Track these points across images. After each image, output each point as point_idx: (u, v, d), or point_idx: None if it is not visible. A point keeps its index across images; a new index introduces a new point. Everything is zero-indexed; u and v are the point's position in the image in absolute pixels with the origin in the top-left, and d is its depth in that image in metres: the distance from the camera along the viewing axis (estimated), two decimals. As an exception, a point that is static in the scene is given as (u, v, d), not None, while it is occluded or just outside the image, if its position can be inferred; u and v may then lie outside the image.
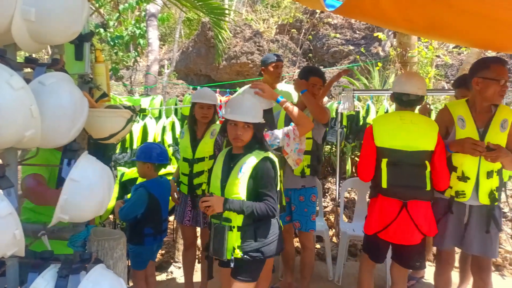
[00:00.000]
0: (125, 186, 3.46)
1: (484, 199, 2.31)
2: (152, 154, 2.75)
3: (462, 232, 2.40)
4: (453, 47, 7.77)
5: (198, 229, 3.22)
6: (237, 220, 2.06)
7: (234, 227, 2.06)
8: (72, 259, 1.39)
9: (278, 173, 2.18)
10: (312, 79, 2.92)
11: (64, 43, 1.42)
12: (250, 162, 2.07)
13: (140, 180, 3.05)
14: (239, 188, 2.06)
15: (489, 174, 2.29)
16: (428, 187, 2.27)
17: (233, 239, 2.06)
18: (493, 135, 2.28)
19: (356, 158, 5.39)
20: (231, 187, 2.08)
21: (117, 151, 4.18)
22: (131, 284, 2.86)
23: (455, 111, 2.39)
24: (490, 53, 7.87)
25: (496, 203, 2.34)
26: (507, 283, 3.62)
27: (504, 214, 4.54)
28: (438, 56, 6.54)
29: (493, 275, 3.74)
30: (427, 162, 2.27)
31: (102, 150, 1.72)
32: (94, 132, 1.56)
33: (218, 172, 2.16)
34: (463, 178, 2.31)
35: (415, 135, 2.31)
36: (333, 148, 4.96)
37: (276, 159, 2.16)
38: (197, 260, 3.53)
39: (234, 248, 2.05)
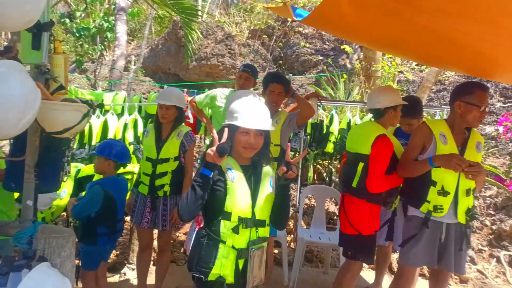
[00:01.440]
0: (81, 183, 3.35)
1: (461, 217, 2.37)
2: (113, 151, 2.67)
3: (433, 250, 2.41)
4: (416, 65, 8.12)
5: (155, 231, 3.15)
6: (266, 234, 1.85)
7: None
8: (14, 256, 1.32)
9: None
10: (271, 86, 2.96)
11: (18, 30, 1.36)
12: (272, 175, 1.89)
13: (96, 177, 2.95)
14: (271, 203, 1.86)
15: (468, 192, 2.37)
16: (354, 184, 2.64)
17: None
18: (470, 154, 2.37)
19: (318, 166, 5.50)
20: (266, 205, 1.82)
21: (75, 146, 4.03)
22: (80, 284, 2.75)
23: (436, 128, 2.44)
24: (448, 73, 8.31)
25: (470, 222, 2.42)
26: (452, 292, 3.81)
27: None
28: (401, 72, 6.81)
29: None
30: (360, 163, 2.62)
31: (55, 144, 1.66)
32: (47, 125, 1.50)
33: (246, 191, 1.78)
34: (443, 193, 2.35)
35: (356, 139, 2.75)
36: (296, 155, 5.03)
37: None
38: (152, 262, 3.46)
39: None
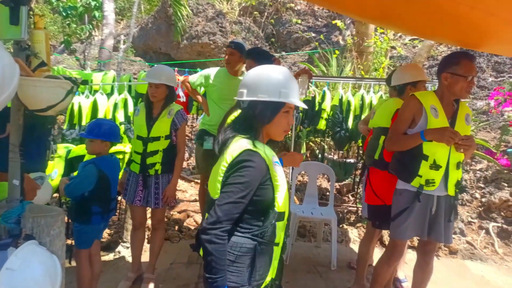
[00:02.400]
0: (72, 163, 3.33)
1: (451, 190, 2.40)
2: (101, 131, 2.65)
3: (424, 222, 2.44)
4: (408, 40, 8.06)
5: (149, 210, 3.17)
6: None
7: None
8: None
9: None
10: (246, 62, 3.05)
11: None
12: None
13: (88, 157, 2.94)
14: None
15: (458, 165, 2.38)
16: (376, 156, 2.77)
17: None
18: (460, 127, 2.36)
19: (311, 143, 5.52)
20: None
21: (65, 126, 3.99)
22: (73, 263, 2.78)
23: (426, 101, 2.41)
24: (441, 48, 8.26)
25: (460, 193, 2.50)
26: (441, 262, 3.90)
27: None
28: (393, 48, 6.76)
29: (429, 255, 4.03)
30: (382, 136, 2.74)
31: (39, 122, 1.64)
32: (29, 102, 1.48)
33: (285, 184, 1.53)
34: (435, 167, 2.35)
35: (379, 114, 2.88)
36: (289, 132, 5.03)
37: None
38: (146, 240, 3.49)
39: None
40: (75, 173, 2.82)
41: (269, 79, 1.50)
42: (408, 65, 3.08)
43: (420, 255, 2.63)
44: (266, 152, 1.46)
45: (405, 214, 2.42)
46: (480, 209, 4.65)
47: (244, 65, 3.43)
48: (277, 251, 1.53)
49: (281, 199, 1.48)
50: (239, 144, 1.45)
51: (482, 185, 4.85)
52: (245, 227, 1.46)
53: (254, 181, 1.41)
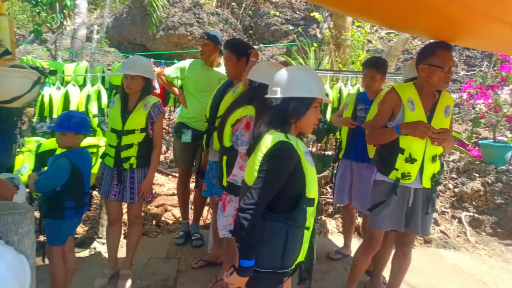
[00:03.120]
0: (42, 157, 3.20)
1: (426, 183, 2.40)
2: (71, 123, 2.54)
3: (401, 214, 2.46)
4: (385, 33, 8.16)
5: (124, 204, 3.09)
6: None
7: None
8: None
9: None
10: (224, 53, 2.93)
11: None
12: None
13: (59, 151, 2.83)
14: None
15: (433, 159, 2.37)
16: None
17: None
18: (438, 119, 2.35)
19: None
20: None
21: (35, 119, 3.83)
22: (47, 261, 2.68)
23: (404, 94, 2.39)
24: (415, 42, 8.41)
25: (436, 186, 2.46)
26: (417, 252, 3.98)
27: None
28: (369, 41, 6.83)
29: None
30: None
31: (4, 115, 1.54)
32: (-7, 93, 1.39)
33: (315, 172, 1.71)
34: (411, 160, 2.35)
35: None
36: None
37: None
38: (122, 236, 3.41)
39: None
40: (46, 168, 2.71)
41: (301, 77, 1.69)
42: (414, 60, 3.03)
43: (399, 247, 2.66)
44: (298, 143, 1.62)
45: (382, 206, 2.44)
46: (453, 199, 4.78)
47: (222, 56, 3.38)
48: (307, 235, 1.66)
49: (311, 186, 1.63)
50: (273, 137, 1.61)
51: (455, 176, 4.98)
52: (278, 211, 1.60)
53: (285, 168, 1.57)
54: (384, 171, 2.46)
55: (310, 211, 1.64)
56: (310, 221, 1.65)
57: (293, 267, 1.65)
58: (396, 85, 2.52)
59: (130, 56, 3.68)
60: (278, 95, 1.67)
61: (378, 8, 2.31)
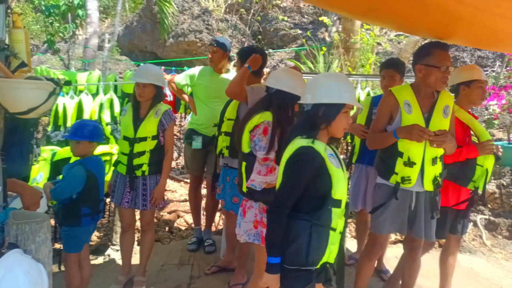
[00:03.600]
0: (57, 166, 3.27)
1: (428, 186, 2.36)
2: (85, 132, 2.59)
3: (404, 218, 2.43)
4: (394, 35, 8.11)
5: (137, 211, 3.12)
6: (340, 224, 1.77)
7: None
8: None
9: None
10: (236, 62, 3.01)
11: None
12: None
13: (74, 159, 2.88)
14: None
15: (434, 161, 2.32)
16: None
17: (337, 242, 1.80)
18: (437, 121, 2.32)
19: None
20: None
21: (49, 128, 3.90)
22: (63, 268, 2.72)
23: (400, 96, 2.36)
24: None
25: (439, 189, 2.43)
26: (430, 255, 3.90)
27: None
28: (379, 44, 6.79)
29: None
30: None
31: (21, 125, 1.58)
32: (10, 105, 1.42)
33: (343, 172, 1.78)
34: (409, 164, 2.31)
35: None
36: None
37: None
38: (136, 243, 3.44)
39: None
40: (61, 176, 2.76)
41: (331, 83, 1.76)
42: (465, 66, 2.96)
43: (407, 251, 2.63)
44: (321, 147, 1.69)
45: (382, 209, 2.40)
46: (467, 202, 4.71)
47: (231, 62, 3.42)
48: (334, 236, 1.70)
49: (337, 188, 1.69)
50: (296, 143, 1.70)
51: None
52: (304, 211, 1.68)
53: (306, 172, 1.66)
54: (384, 175, 2.42)
55: (337, 212, 1.69)
56: (336, 222, 1.70)
57: (318, 266, 1.68)
58: (393, 88, 2.48)
59: (142, 64, 3.73)
60: (309, 101, 1.75)
61: (385, 11, 2.31)
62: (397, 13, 2.36)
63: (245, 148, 2.30)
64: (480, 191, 2.60)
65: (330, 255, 1.71)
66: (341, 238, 1.76)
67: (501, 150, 2.61)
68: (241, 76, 2.73)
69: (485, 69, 7.54)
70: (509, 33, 2.22)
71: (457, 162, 2.56)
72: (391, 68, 3.07)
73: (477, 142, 2.64)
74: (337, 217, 1.70)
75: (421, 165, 2.31)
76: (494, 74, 6.99)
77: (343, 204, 1.72)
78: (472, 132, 2.69)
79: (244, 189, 2.31)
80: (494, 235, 4.33)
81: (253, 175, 2.19)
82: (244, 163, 2.34)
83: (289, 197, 1.69)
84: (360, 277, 2.68)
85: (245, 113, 2.46)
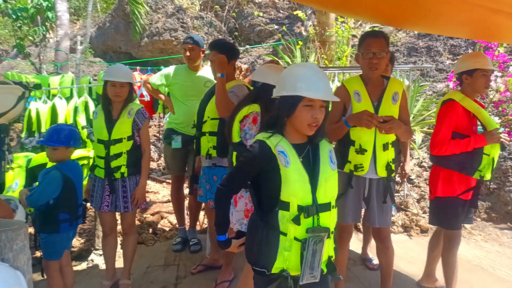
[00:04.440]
0: (33, 172, 3.18)
1: (381, 172, 2.39)
2: (61, 137, 2.52)
3: (361, 206, 2.49)
4: (369, 27, 8.22)
5: (118, 215, 3.07)
6: (332, 223, 1.59)
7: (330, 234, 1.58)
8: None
9: None
10: (211, 55, 2.89)
11: None
12: (331, 149, 1.66)
13: (50, 165, 2.81)
14: (337, 182, 1.64)
15: (385, 147, 2.36)
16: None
17: (330, 247, 1.62)
18: (386, 108, 2.36)
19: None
20: (329, 184, 1.59)
21: (23, 134, 3.79)
22: (45, 276, 2.65)
23: (351, 87, 2.42)
24: (400, 34, 8.49)
25: (393, 175, 2.45)
26: (414, 241, 4.03)
27: (411, 180, 5.02)
28: (354, 36, 6.87)
29: (401, 235, 4.16)
30: None
31: (-9, 131, 1.53)
32: (-23, 111, 1.37)
33: (303, 173, 1.54)
34: (361, 151, 2.35)
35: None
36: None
37: None
38: (119, 246, 3.39)
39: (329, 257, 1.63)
40: (37, 183, 2.69)
41: (289, 75, 1.62)
42: (468, 54, 2.86)
43: (378, 242, 2.62)
44: (273, 142, 1.55)
45: (342, 198, 2.43)
46: (446, 187, 4.83)
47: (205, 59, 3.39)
48: (286, 242, 1.51)
49: (286, 189, 1.51)
50: (255, 138, 1.63)
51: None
52: (258, 209, 1.62)
53: (251, 164, 1.59)
54: (340, 165, 2.39)
55: (285, 216, 1.51)
56: (286, 227, 1.51)
57: (274, 271, 1.53)
58: (344, 80, 2.55)
59: (113, 65, 3.66)
60: (274, 95, 1.66)
61: (351, 1, 2.34)
62: (366, 4, 2.39)
63: (236, 138, 2.39)
64: (487, 180, 2.61)
65: (287, 263, 1.52)
66: (302, 247, 1.51)
67: (508, 138, 2.62)
68: (222, 90, 2.66)
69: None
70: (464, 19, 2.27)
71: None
72: None
73: (483, 131, 2.62)
74: (287, 221, 1.51)
75: (372, 152, 2.36)
76: (465, 61, 7.17)
77: (292, 208, 1.50)
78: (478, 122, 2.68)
79: None
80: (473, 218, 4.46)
81: None
82: (234, 153, 2.40)
83: (230, 181, 1.68)
84: (338, 267, 2.70)
85: (234, 107, 2.53)
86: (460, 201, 2.66)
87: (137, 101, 4.26)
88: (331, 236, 1.59)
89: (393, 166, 2.41)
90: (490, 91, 5.00)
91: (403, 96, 2.44)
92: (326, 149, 1.65)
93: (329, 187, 1.58)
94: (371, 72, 2.35)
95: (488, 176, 2.59)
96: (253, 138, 2.17)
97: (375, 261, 3.34)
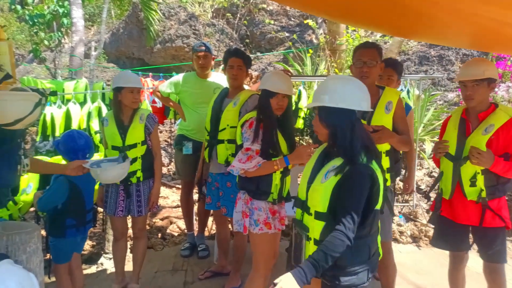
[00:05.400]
0: (47, 176, 3.23)
1: None
2: (75, 145, 2.59)
3: None
4: (380, 37, 8.22)
5: (129, 219, 3.11)
6: (315, 231, 1.69)
7: (311, 238, 1.71)
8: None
9: (380, 187, 1.67)
10: (230, 61, 2.94)
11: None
12: (340, 166, 1.65)
13: (63, 169, 2.86)
14: (321, 197, 1.67)
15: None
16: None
17: (310, 251, 1.69)
18: (379, 117, 2.35)
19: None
20: (313, 193, 1.72)
21: (38, 139, 3.87)
22: (53, 279, 2.70)
23: None
24: (411, 43, 8.47)
25: (388, 184, 2.38)
26: (423, 252, 3.99)
27: (421, 190, 4.98)
28: (365, 44, 6.87)
29: (410, 246, 4.11)
30: None
31: (8, 137, 1.57)
32: (-4, 117, 1.42)
33: (308, 171, 1.79)
34: None
35: None
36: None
37: (379, 169, 1.69)
38: (129, 250, 3.43)
39: None
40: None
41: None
42: (470, 61, 2.57)
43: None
44: None
45: None
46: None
47: (219, 67, 3.43)
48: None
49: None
50: None
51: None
52: None
53: None
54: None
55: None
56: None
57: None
58: None
59: (124, 71, 3.72)
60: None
61: (359, 13, 2.36)
62: (368, 14, 2.41)
63: (239, 140, 2.51)
64: None
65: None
66: (293, 235, 1.87)
67: None
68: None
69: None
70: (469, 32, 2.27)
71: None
72: (389, 67, 2.99)
73: None
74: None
75: None
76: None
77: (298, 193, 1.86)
78: None
79: (237, 180, 2.53)
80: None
81: (234, 161, 2.38)
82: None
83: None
84: None
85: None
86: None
87: (150, 108, 4.34)
88: (311, 242, 1.69)
89: (388, 176, 2.35)
90: (502, 101, 4.96)
91: (398, 106, 2.40)
92: (331, 164, 1.69)
93: (313, 196, 1.71)
94: (363, 80, 2.35)
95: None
96: (246, 140, 2.35)
97: None
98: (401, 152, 2.80)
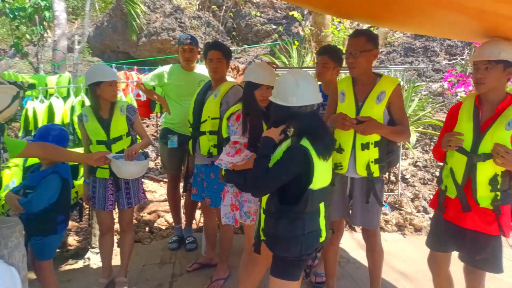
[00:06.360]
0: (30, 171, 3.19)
1: (361, 171, 2.37)
2: (49, 136, 2.54)
3: (346, 204, 2.52)
4: (366, 28, 8.25)
5: (116, 213, 3.10)
6: (263, 201, 1.97)
7: (263, 208, 1.98)
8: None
9: (315, 170, 1.80)
10: (209, 54, 2.93)
11: None
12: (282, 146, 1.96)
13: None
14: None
15: (364, 146, 2.32)
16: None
17: (262, 219, 1.97)
18: (369, 108, 2.32)
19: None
20: None
21: (20, 134, 3.81)
22: (33, 276, 2.66)
23: (340, 87, 2.46)
24: (397, 34, 8.53)
25: (376, 175, 2.38)
26: (408, 240, 4.06)
27: (406, 179, 5.06)
28: (351, 36, 6.90)
29: (395, 234, 4.19)
30: None
31: (-14, 131, 1.55)
32: (-28, 110, 1.40)
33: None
34: (339, 150, 2.38)
35: None
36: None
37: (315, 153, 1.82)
38: (116, 244, 3.42)
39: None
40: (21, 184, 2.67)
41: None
42: (487, 40, 2.22)
43: (366, 242, 2.63)
44: None
45: None
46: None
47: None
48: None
49: None
50: None
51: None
52: None
53: None
54: None
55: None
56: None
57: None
58: (339, 80, 2.59)
59: (113, 65, 3.68)
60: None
61: (344, 3, 2.37)
62: (354, 4, 2.41)
63: (224, 134, 2.50)
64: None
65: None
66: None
67: None
68: None
69: (454, 57, 7.78)
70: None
71: None
72: (325, 55, 2.94)
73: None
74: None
75: (350, 151, 2.37)
76: (463, 62, 7.22)
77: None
78: None
79: (223, 173, 2.49)
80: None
81: (222, 155, 2.37)
82: (223, 148, 2.49)
83: None
84: (328, 264, 2.74)
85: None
86: None
87: (134, 101, 4.30)
88: (262, 216, 1.95)
89: (376, 167, 2.36)
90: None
91: (394, 95, 2.31)
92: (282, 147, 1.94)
93: None
94: (350, 71, 2.38)
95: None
96: (233, 134, 2.35)
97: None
98: (399, 143, 2.76)
